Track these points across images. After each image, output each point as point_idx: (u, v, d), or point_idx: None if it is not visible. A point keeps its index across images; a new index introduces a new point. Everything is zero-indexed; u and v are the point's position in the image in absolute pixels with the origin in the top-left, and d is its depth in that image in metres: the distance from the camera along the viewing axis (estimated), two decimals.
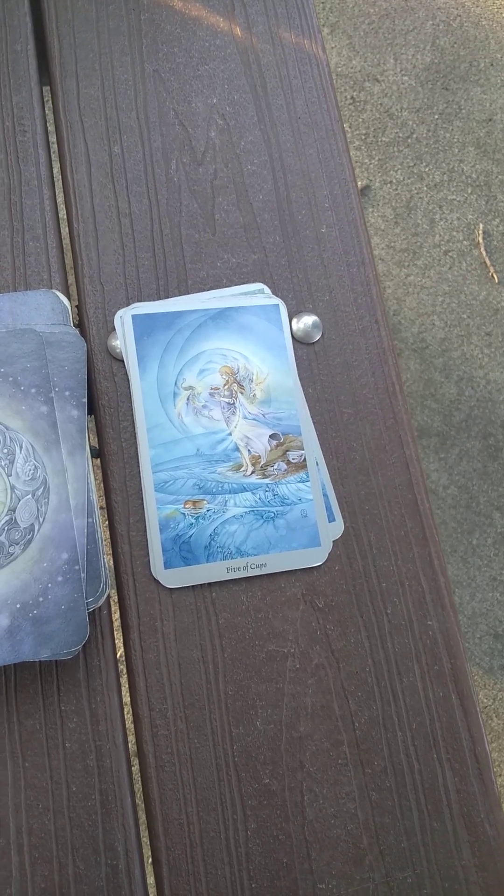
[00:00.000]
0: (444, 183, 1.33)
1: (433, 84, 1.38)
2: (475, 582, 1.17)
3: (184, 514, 0.43)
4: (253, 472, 0.44)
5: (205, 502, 0.43)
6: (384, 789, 0.40)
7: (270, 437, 0.45)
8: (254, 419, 0.45)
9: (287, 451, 0.45)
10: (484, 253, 1.30)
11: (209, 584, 0.42)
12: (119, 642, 0.96)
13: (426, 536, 0.45)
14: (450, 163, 1.34)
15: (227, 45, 0.53)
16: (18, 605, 0.38)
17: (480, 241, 1.31)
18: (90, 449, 0.43)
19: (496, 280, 1.29)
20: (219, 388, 0.45)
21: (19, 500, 0.39)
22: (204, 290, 0.48)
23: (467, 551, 1.18)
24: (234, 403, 0.45)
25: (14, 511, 0.39)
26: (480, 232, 1.31)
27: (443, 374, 1.24)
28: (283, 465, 0.44)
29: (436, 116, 1.36)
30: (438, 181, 1.33)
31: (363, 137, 1.34)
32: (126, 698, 1.00)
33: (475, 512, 1.19)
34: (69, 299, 0.45)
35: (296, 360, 0.47)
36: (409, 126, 1.35)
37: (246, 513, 0.43)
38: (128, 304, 0.47)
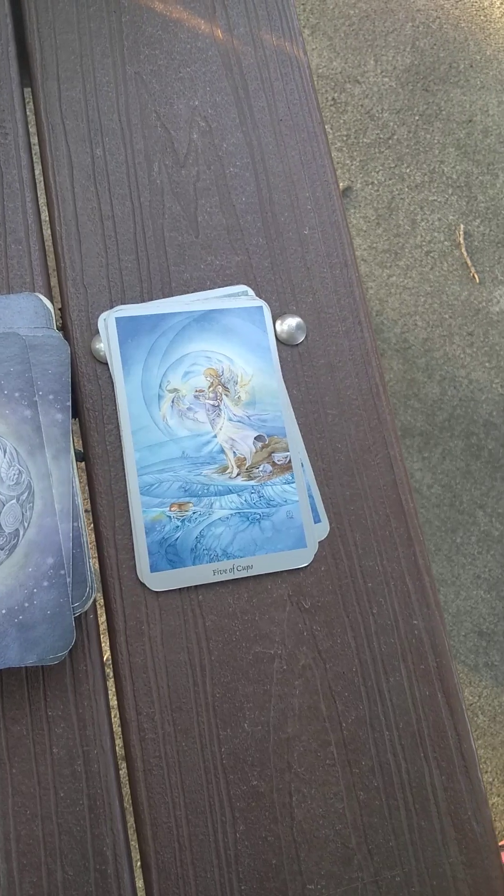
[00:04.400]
0: (425, 184, 1.34)
1: (413, 85, 1.39)
2: (459, 580, 1.17)
3: (170, 516, 0.43)
4: (238, 474, 0.44)
5: (190, 505, 0.43)
6: (372, 789, 0.40)
7: (255, 438, 0.45)
8: (239, 421, 0.45)
9: (272, 452, 0.45)
10: (465, 253, 1.31)
11: (195, 586, 0.42)
12: (106, 646, 0.96)
13: (411, 536, 0.45)
14: (430, 164, 1.35)
15: (209, 48, 0.54)
16: (4, 611, 0.38)
17: (461, 241, 1.31)
18: (75, 452, 0.43)
19: (477, 280, 1.30)
20: (203, 391, 0.45)
21: (3, 505, 0.39)
22: (188, 293, 0.48)
23: (451, 549, 1.19)
24: (218, 405, 0.45)
25: None
26: (461, 232, 1.32)
27: (425, 374, 1.25)
28: (269, 467, 0.44)
29: (416, 118, 1.37)
30: (419, 182, 1.34)
31: (344, 139, 1.35)
32: (113, 702, 1.00)
33: (459, 510, 1.20)
34: (52, 302, 0.45)
35: (280, 361, 0.47)
36: (390, 127, 1.36)
37: (232, 515, 0.43)
38: (111, 307, 0.47)
